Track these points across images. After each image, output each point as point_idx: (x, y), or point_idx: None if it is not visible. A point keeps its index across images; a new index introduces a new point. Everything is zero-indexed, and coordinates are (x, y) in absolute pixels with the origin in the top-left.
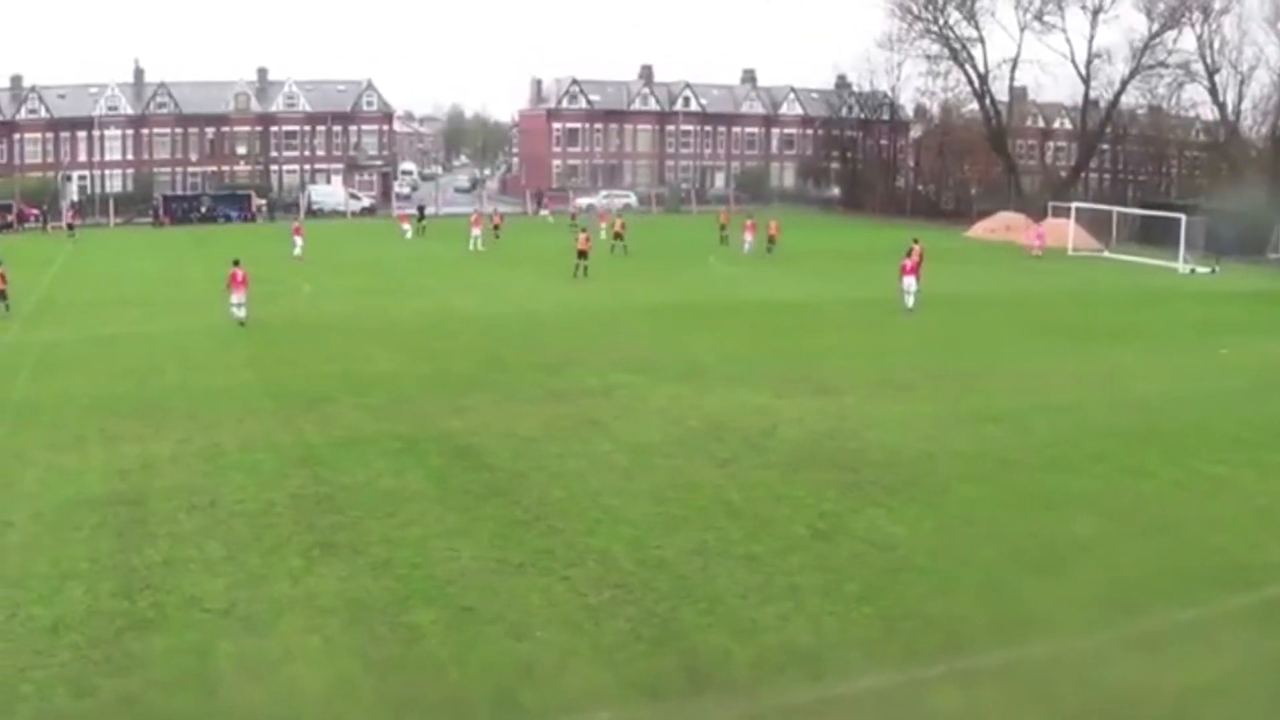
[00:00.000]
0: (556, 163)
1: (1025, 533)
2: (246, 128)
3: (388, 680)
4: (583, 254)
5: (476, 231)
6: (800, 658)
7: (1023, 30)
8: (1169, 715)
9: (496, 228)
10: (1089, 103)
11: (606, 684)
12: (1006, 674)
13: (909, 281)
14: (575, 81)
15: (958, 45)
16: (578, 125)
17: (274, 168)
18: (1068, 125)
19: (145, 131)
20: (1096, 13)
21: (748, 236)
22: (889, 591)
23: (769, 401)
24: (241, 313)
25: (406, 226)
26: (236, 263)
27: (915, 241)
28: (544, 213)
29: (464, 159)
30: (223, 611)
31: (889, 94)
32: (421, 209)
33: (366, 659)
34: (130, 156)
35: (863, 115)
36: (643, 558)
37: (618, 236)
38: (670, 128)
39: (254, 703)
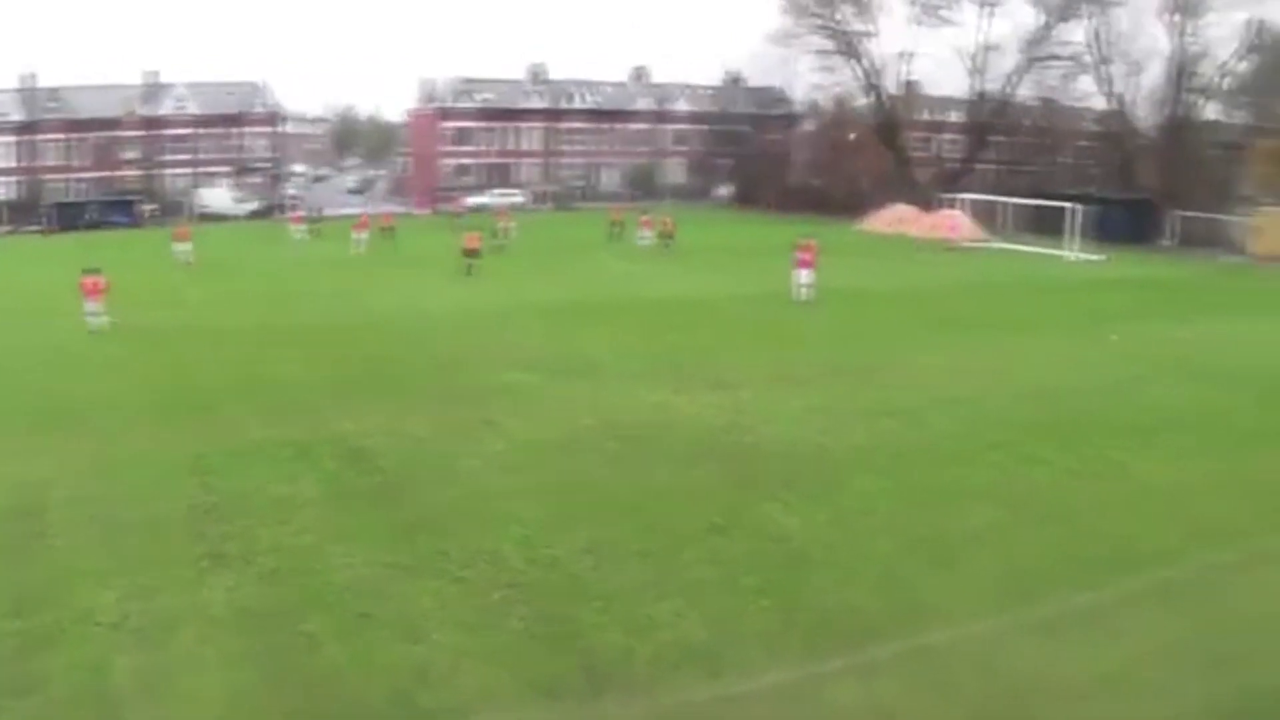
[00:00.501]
0: (447, 162)
1: (922, 523)
2: (135, 132)
3: (285, 690)
4: (471, 253)
5: (363, 235)
6: (698, 654)
7: (915, 25)
8: (1071, 701)
9: (387, 228)
10: (980, 95)
11: (503, 685)
12: (907, 665)
13: (804, 275)
14: (466, 80)
15: (849, 40)
16: (468, 124)
17: (163, 171)
18: (960, 118)
19: (34, 138)
20: (988, 6)
21: (645, 232)
22: (786, 585)
23: (663, 398)
24: (98, 321)
25: (298, 228)
26: (91, 270)
27: (808, 236)
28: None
29: (354, 160)
30: (115, 625)
31: (781, 89)
32: (318, 210)
33: (263, 669)
34: (19, 164)
35: (754, 111)
36: (536, 557)
37: (498, 235)
38: (561, 125)
39: (155, 718)
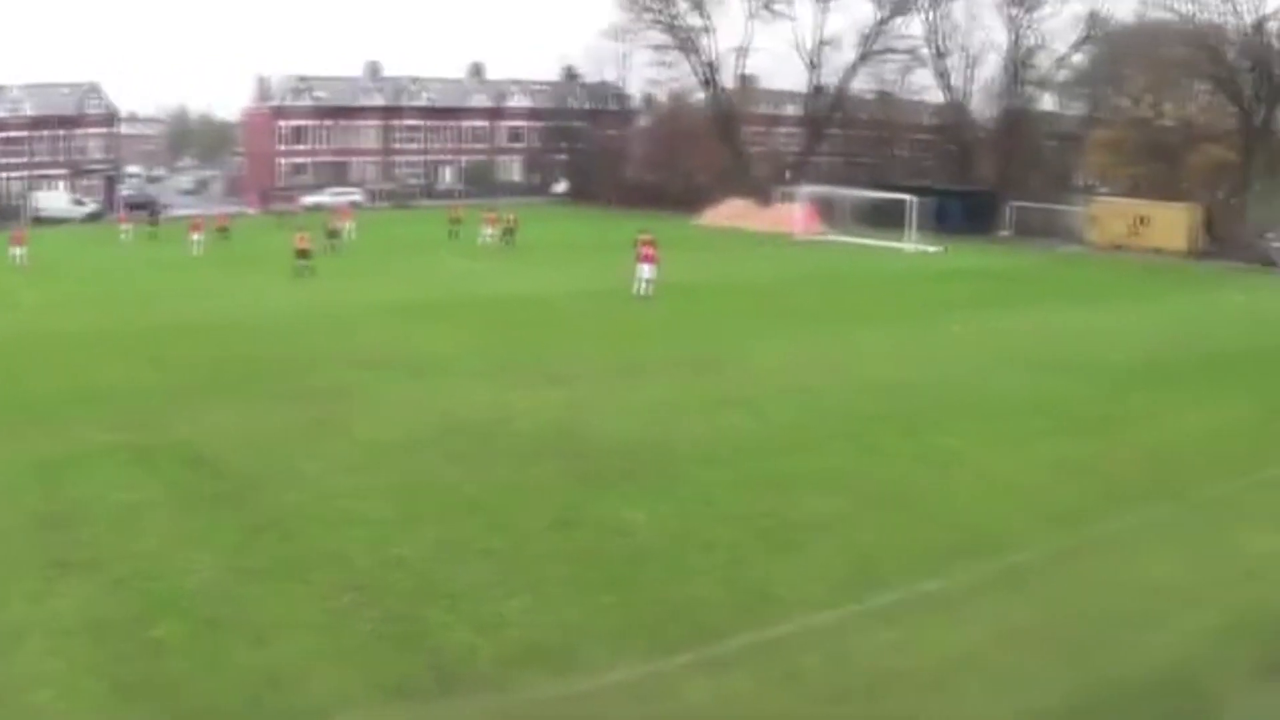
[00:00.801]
0: (282, 161)
1: (765, 514)
2: None
3: (135, 699)
4: (302, 253)
5: (198, 236)
6: (547, 651)
7: (751, 19)
8: (921, 689)
9: (223, 229)
10: (817, 89)
11: (354, 686)
12: (755, 657)
13: (645, 269)
14: (301, 78)
15: (686, 35)
16: (304, 123)
17: None
18: (797, 112)
19: None
20: (824, 0)
21: (488, 229)
22: (631, 579)
23: (505, 395)
24: None
25: (126, 227)
26: None
27: (644, 233)
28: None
29: (189, 160)
30: None
31: (617, 85)
32: (155, 211)
33: (113, 679)
34: None
35: (590, 106)
36: (382, 558)
37: (332, 235)
38: (397, 123)
39: None
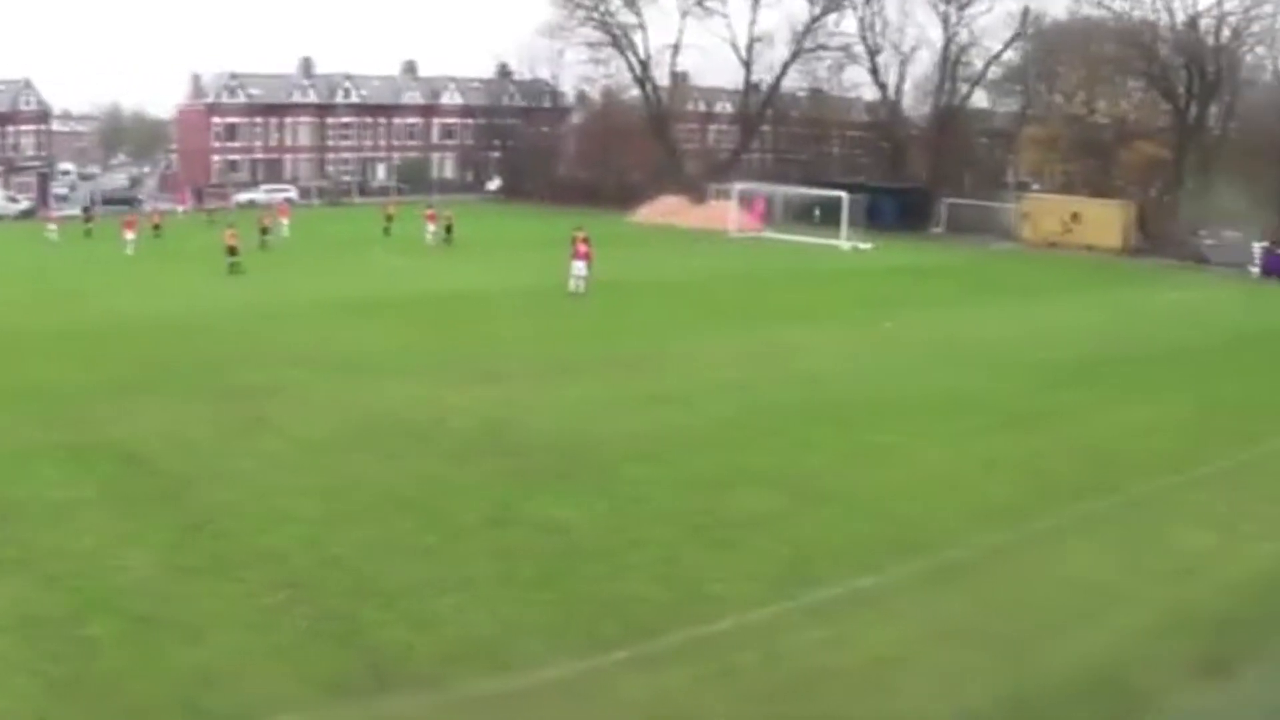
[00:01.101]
0: (216, 159)
1: (699, 510)
2: None
3: (69, 698)
4: (232, 250)
5: (132, 234)
6: (482, 648)
7: (684, 16)
8: (856, 686)
9: (156, 227)
10: (750, 86)
11: (289, 685)
12: (690, 654)
13: (578, 266)
14: (234, 75)
15: (619, 32)
16: (237, 120)
17: None
18: (730, 109)
19: None
20: None
21: (430, 226)
22: (565, 576)
23: (438, 392)
24: None
25: (53, 228)
26: None
27: (579, 229)
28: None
29: (123, 157)
30: None
31: (550, 82)
32: (87, 210)
33: (46, 677)
34: None
35: (524, 104)
36: (317, 555)
37: (264, 231)
38: (330, 120)
39: None
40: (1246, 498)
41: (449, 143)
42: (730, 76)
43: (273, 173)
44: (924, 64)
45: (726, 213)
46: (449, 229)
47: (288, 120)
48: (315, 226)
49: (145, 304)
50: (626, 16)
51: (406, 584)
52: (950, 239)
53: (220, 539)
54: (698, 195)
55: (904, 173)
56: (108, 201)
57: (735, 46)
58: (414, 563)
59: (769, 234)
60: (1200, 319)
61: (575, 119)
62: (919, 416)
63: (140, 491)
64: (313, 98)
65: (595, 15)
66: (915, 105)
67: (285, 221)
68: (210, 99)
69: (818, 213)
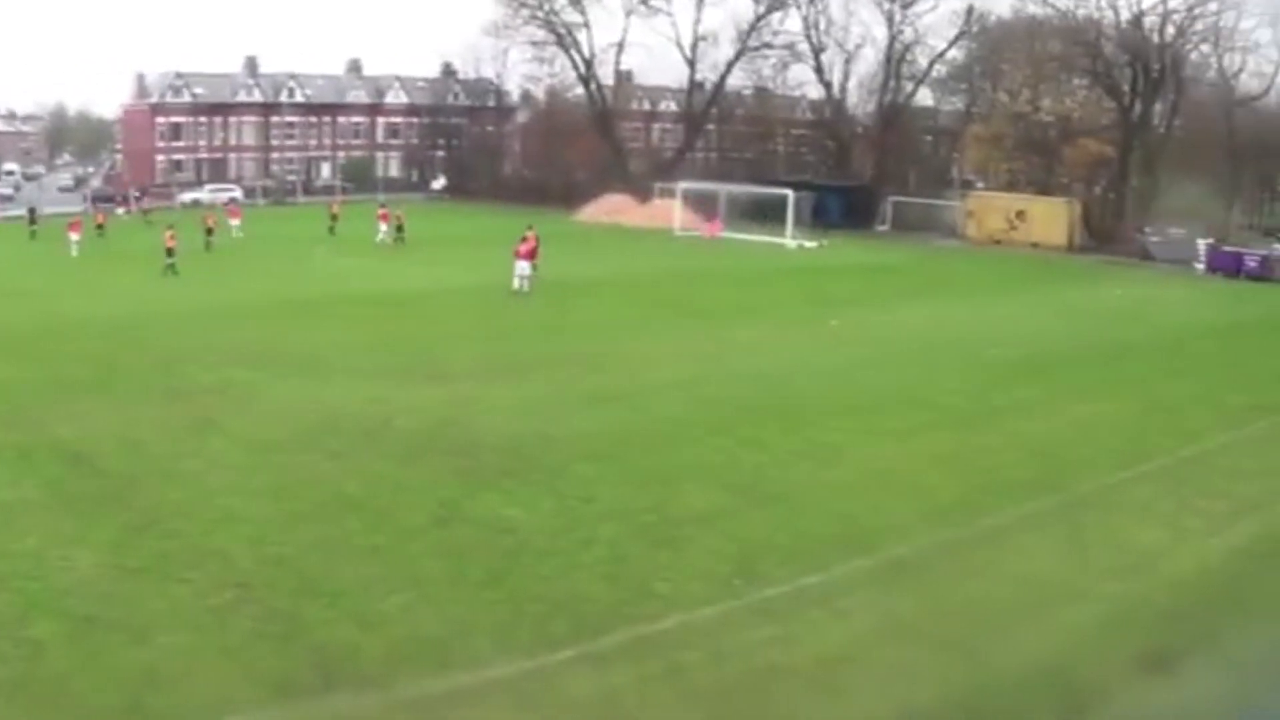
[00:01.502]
0: (161, 158)
1: (646, 508)
2: None
3: (13, 699)
4: (170, 251)
5: (77, 236)
6: (429, 647)
7: (629, 15)
8: (803, 685)
9: (100, 227)
10: (695, 85)
11: (236, 685)
12: (637, 653)
13: (522, 266)
14: (179, 75)
15: (563, 31)
16: (182, 120)
17: None
18: (674, 107)
19: None
20: None
21: (382, 225)
22: (513, 575)
23: (385, 392)
24: None
25: None
26: None
27: (529, 228)
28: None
29: (68, 157)
30: None
31: (495, 81)
32: (32, 211)
33: None
34: None
35: (469, 103)
36: (263, 555)
37: (209, 232)
38: (275, 119)
39: None
40: (1192, 493)
41: (394, 142)
42: (675, 75)
43: (217, 172)
44: (869, 62)
45: (671, 211)
46: (400, 228)
47: (232, 120)
48: (261, 226)
49: (92, 304)
50: (571, 15)
51: (354, 583)
52: (896, 237)
53: (167, 539)
54: (643, 194)
55: (849, 171)
56: (98, 200)
57: (680, 45)
58: (361, 562)
59: (699, 232)
60: (1145, 316)
61: (520, 118)
62: (866, 414)
63: (86, 491)
64: (257, 97)
65: (540, 14)
66: (860, 103)
67: (236, 222)
68: (155, 98)
69: (765, 214)
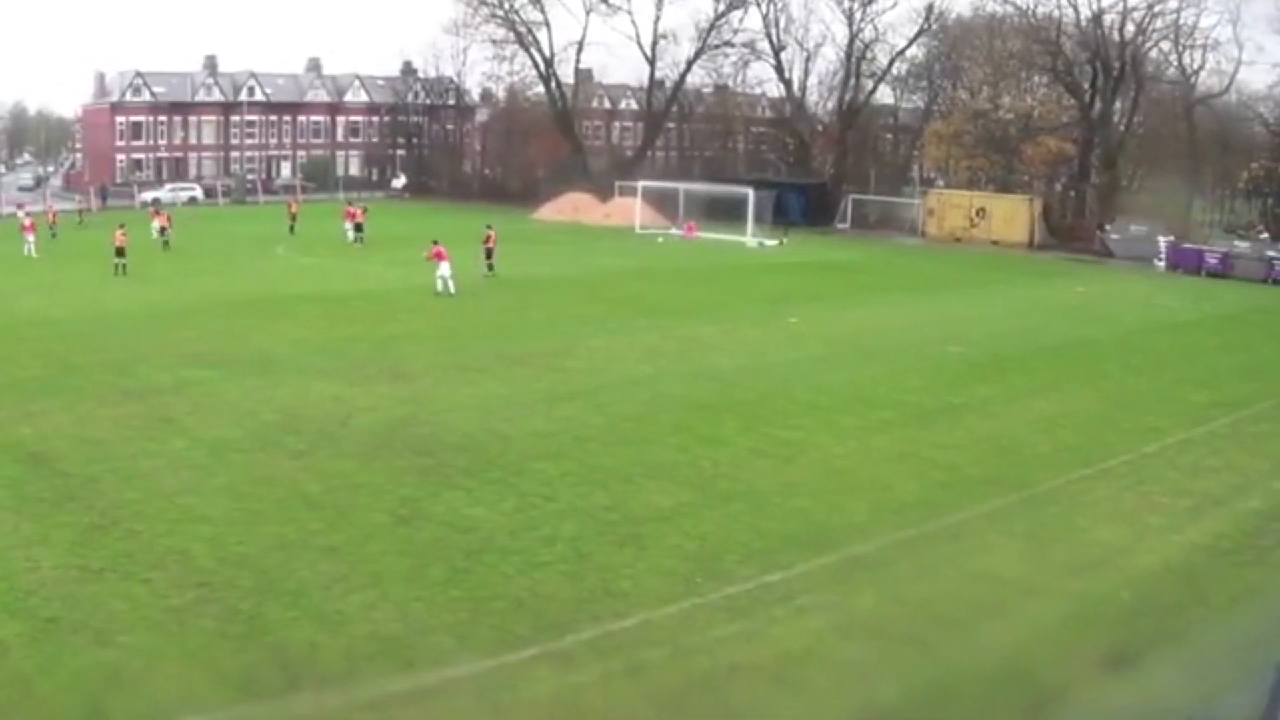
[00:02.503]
0: (121, 157)
1: (606, 507)
2: None
3: None
4: (120, 251)
5: (32, 237)
6: (391, 646)
7: (589, 13)
8: (764, 681)
9: (52, 224)
10: (655, 83)
11: (198, 685)
12: (600, 651)
13: (443, 266)
14: (139, 74)
15: (524, 29)
16: (142, 118)
17: None
18: (634, 105)
19: None
20: None
21: (348, 224)
22: (474, 574)
23: (343, 391)
24: None
25: None
26: None
27: (489, 226)
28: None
29: (27, 157)
30: None
31: (455, 79)
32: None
33: None
34: None
35: (429, 101)
36: (223, 555)
37: (162, 231)
38: (235, 118)
39: None
40: (1153, 490)
41: (354, 140)
42: (635, 73)
43: (178, 171)
44: (829, 60)
45: (632, 210)
46: (359, 226)
47: (192, 119)
48: (220, 225)
49: (49, 305)
50: (531, 14)
51: (314, 582)
52: (856, 235)
53: (128, 539)
54: (603, 193)
55: (809, 169)
56: (104, 196)
57: (640, 43)
58: (321, 561)
59: (674, 231)
60: (1105, 313)
61: (481, 117)
62: (826, 412)
63: (44, 492)
64: (217, 96)
65: (500, 13)
66: (820, 101)
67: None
68: (115, 98)
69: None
